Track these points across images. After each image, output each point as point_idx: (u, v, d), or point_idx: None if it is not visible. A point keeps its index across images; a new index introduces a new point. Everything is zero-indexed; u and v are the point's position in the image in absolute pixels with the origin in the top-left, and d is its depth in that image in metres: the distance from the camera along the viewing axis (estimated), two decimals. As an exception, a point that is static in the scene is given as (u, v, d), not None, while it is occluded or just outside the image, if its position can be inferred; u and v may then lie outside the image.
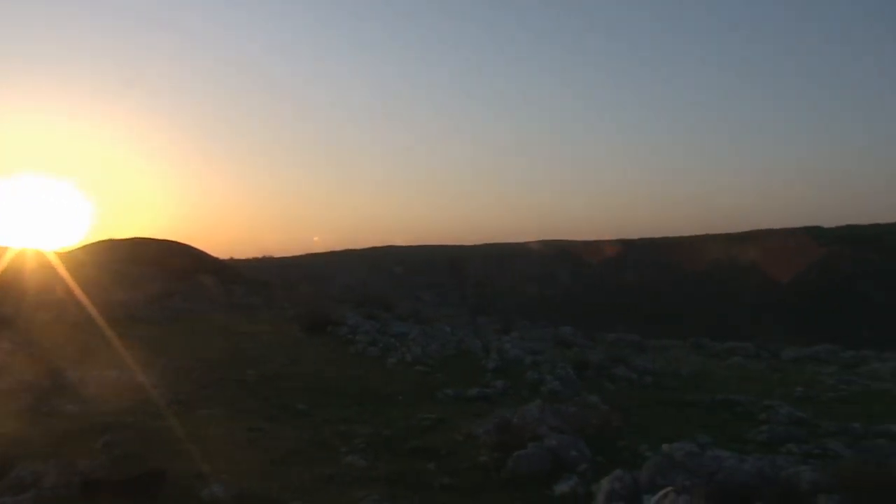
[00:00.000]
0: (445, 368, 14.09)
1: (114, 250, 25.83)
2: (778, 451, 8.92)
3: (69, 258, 23.42)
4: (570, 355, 16.26)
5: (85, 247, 27.59)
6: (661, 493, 5.06)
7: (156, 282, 21.34)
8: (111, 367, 11.57)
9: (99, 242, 27.93)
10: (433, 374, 13.60)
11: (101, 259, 24.00)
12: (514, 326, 23.16)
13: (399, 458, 8.07)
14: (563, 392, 11.97)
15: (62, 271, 19.69)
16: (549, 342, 19.46)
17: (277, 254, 75.95)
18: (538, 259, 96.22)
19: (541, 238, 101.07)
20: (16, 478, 6.22)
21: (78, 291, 17.40)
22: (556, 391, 12.16)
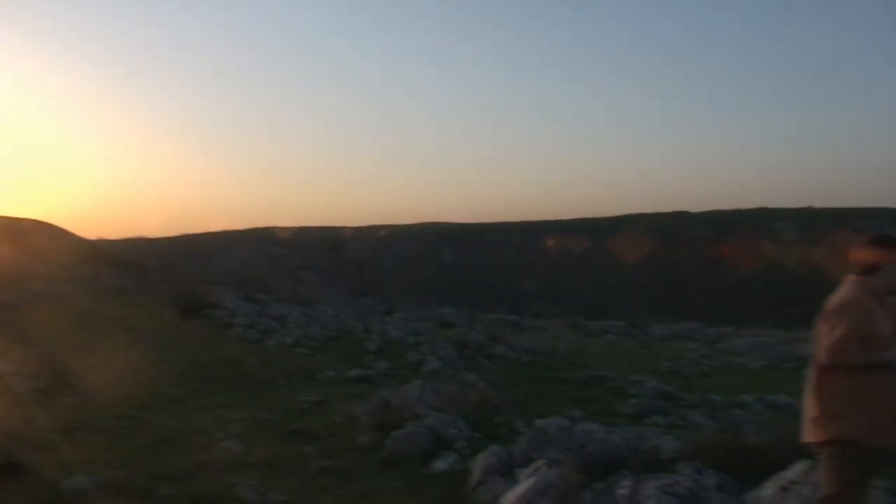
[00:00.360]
0: (326, 350, 13.98)
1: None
2: (645, 422, 9.41)
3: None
4: (452, 336, 16.50)
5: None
6: (534, 466, 5.23)
7: (13, 263, 19.90)
8: (-39, 355, 10.73)
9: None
10: (314, 356, 13.47)
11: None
12: (397, 308, 23.24)
13: (276, 441, 7.94)
14: (444, 372, 12.14)
15: None
16: (431, 323, 19.67)
17: (152, 234, 72.46)
18: (421, 240, 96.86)
19: (423, 219, 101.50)
20: None
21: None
22: (436, 371, 12.32)
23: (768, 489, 5.01)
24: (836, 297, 3.94)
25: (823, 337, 3.85)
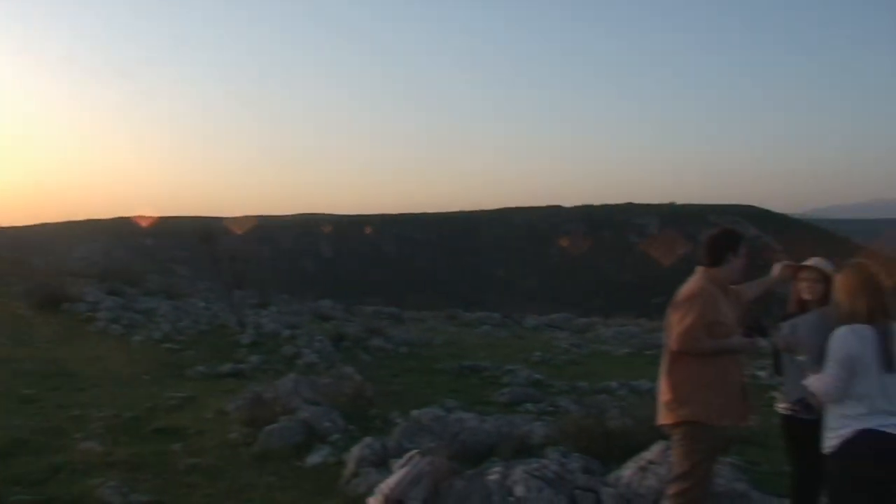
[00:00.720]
0: (197, 345, 13.49)
1: None
2: (517, 410, 9.70)
3: None
4: (328, 328, 16.34)
5: None
6: (407, 455, 5.28)
7: None
8: None
9: None
10: (183, 351, 12.96)
11: None
12: (273, 301, 22.72)
13: (141, 440, 7.60)
14: (320, 365, 12.01)
15: None
16: (308, 316, 19.38)
17: (2, 223, 67.14)
18: (297, 232, 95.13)
19: (301, 210, 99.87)
20: None
21: None
22: (312, 364, 12.16)
23: (628, 469, 5.30)
24: (686, 288, 4.22)
25: (674, 325, 4.11)
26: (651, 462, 5.17)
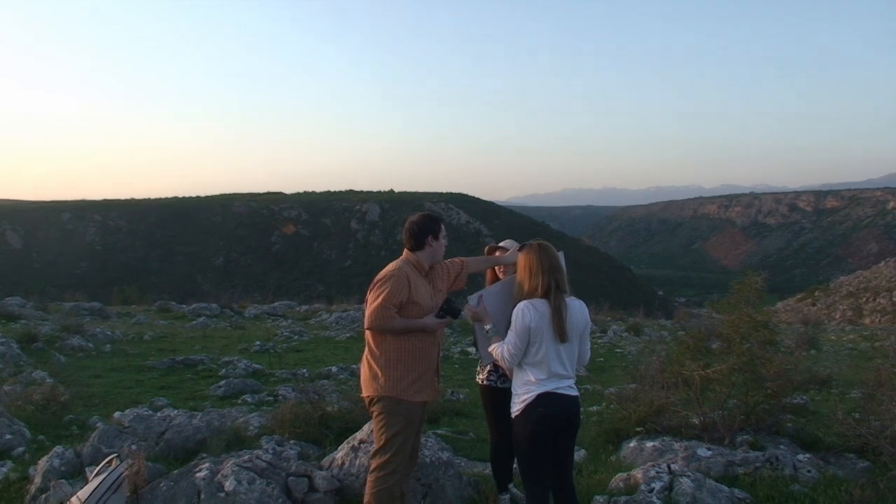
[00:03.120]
0: None
1: None
2: (234, 403, 9.42)
3: None
4: (16, 329, 14.51)
5: None
6: (105, 461, 4.86)
7: None
8: None
9: None
10: None
11: None
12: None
13: None
14: (3, 371, 10.61)
15: None
16: (-11, 316, 17.01)
17: None
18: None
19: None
20: None
21: None
22: (-7, 371, 10.69)
23: (341, 450, 5.38)
24: (385, 269, 4.37)
25: (369, 304, 4.26)
26: (362, 441, 5.29)
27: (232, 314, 21.92)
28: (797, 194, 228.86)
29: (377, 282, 4.29)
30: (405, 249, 4.48)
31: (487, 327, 4.30)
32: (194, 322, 19.26)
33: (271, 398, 9.75)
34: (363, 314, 4.40)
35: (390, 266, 4.37)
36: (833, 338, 21.36)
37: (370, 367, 4.34)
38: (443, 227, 4.55)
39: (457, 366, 13.10)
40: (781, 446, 6.51)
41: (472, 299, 4.45)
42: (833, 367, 12.04)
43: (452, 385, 10.79)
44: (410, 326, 4.28)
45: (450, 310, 4.41)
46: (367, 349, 4.38)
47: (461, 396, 9.89)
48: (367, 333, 4.36)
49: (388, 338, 4.29)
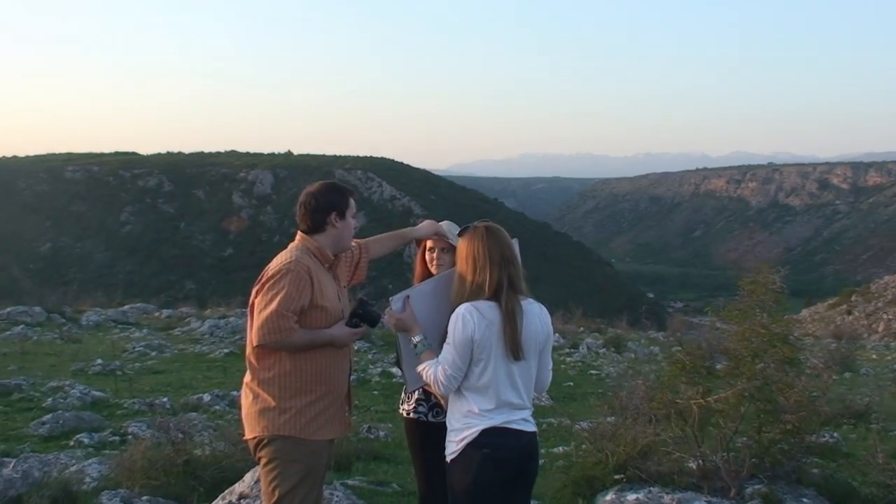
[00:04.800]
0: None
1: None
2: (64, 445, 9.25)
3: None
4: None
5: None
6: None
7: None
8: None
9: None
10: None
11: None
12: None
13: None
14: None
15: None
16: None
17: None
18: None
19: None
20: None
21: None
22: None
23: (214, 509, 5.34)
24: (274, 263, 4.24)
25: (256, 313, 4.12)
26: (243, 496, 5.27)
27: (63, 321, 21.48)
28: (830, 167, 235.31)
29: (267, 280, 4.14)
30: (299, 232, 4.39)
31: (416, 339, 4.21)
32: (8, 333, 18.83)
33: (117, 438, 9.62)
34: (248, 325, 4.26)
35: (283, 256, 4.24)
36: (874, 357, 22.07)
37: (256, 396, 4.20)
38: (352, 201, 4.48)
39: (376, 392, 13.12)
40: (804, 499, 6.70)
41: (396, 301, 4.33)
42: (873, 396, 12.42)
43: (369, 419, 10.80)
44: (315, 340, 4.18)
45: (365, 315, 4.33)
46: (249, 372, 4.24)
47: (381, 434, 9.91)
48: (252, 352, 4.22)
49: (282, 356, 4.16)
